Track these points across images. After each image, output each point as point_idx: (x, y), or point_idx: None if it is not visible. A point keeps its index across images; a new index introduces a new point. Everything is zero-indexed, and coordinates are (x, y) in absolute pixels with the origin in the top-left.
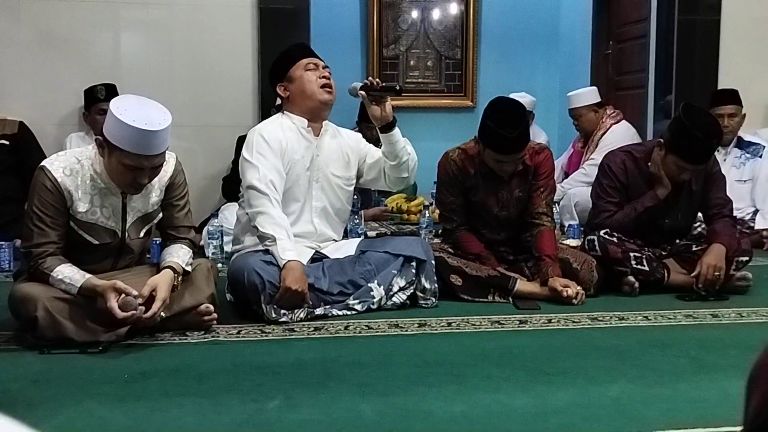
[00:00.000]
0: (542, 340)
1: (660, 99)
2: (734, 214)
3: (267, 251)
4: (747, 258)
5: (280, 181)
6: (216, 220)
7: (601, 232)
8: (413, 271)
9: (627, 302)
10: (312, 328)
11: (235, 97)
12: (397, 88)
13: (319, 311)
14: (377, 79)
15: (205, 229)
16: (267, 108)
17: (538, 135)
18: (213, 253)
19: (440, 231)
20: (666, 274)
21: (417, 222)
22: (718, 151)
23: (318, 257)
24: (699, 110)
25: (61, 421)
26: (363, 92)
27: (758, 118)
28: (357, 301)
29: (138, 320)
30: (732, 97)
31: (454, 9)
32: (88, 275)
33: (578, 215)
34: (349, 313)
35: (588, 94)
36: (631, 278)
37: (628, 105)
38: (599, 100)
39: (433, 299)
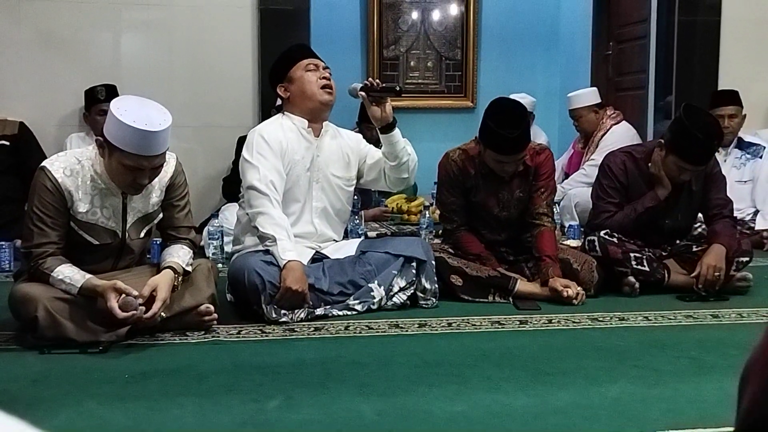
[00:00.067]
0: (542, 340)
1: (660, 100)
2: (734, 215)
3: (267, 251)
4: (747, 258)
5: (281, 181)
6: (216, 221)
7: (602, 233)
8: (413, 271)
9: (627, 303)
10: (312, 329)
11: (236, 98)
12: (397, 88)
13: (319, 311)
14: (377, 80)
15: (206, 229)
16: (267, 108)
17: (538, 136)
18: (213, 254)
19: (440, 231)
20: (666, 275)
21: (417, 222)
22: (718, 151)
23: (318, 257)
24: (699, 111)
25: (62, 421)
26: (363, 93)
27: (758, 118)
28: (357, 301)
29: (138, 320)
30: (732, 97)
31: (454, 10)
32: (88, 275)
33: (578, 216)
34: (349, 313)
35: (588, 95)
36: (632, 279)
37: (628, 106)
38: (599, 100)
39: (434, 299)
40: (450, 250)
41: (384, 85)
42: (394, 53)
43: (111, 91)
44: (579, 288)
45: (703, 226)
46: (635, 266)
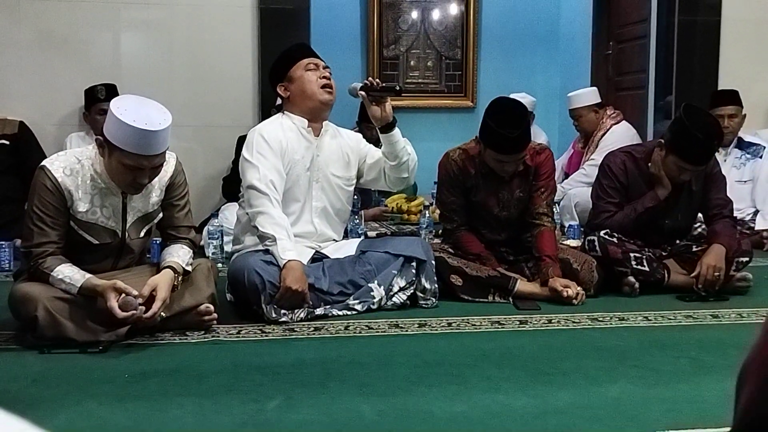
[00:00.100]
0: (542, 340)
1: (660, 99)
2: (734, 215)
3: (267, 251)
4: (747, 258)
5: (280, 181)
6: (216, 220)
7: (602, 233)
8: (413, 271)
9: (627, 303)
10: (312, 328)
11: (235, 97)
12: (397, 88)
13: (319, 311)
14: (377, 80)
15: (206, 229)
16: (267, 108)
17: (538, 135)
18: (213, 253)
19: (440, 231)
20: (666, 275)
21: (417, 222)
22: (718, 151)
23: (318, 257)
24: (700, 111)
25: (61, 420)
26: (363, 92)
27: (758, 118)
28: (357, 301)
29: (138, 320)
30: (732, 97)
31: (454, 9)
32: (88, 275)
33: (578, 216)
34: (349, 313)
35: (588, 95)
36: (632, 279)
37: (628, 105)
38: (599, 100)
39: (434, 299)
40: (450, 250)
41: (384, 84)
42: (394, 53)
43: (111, 91)
44: (579, 288)
45: (703, 226)
46: (635, 266)
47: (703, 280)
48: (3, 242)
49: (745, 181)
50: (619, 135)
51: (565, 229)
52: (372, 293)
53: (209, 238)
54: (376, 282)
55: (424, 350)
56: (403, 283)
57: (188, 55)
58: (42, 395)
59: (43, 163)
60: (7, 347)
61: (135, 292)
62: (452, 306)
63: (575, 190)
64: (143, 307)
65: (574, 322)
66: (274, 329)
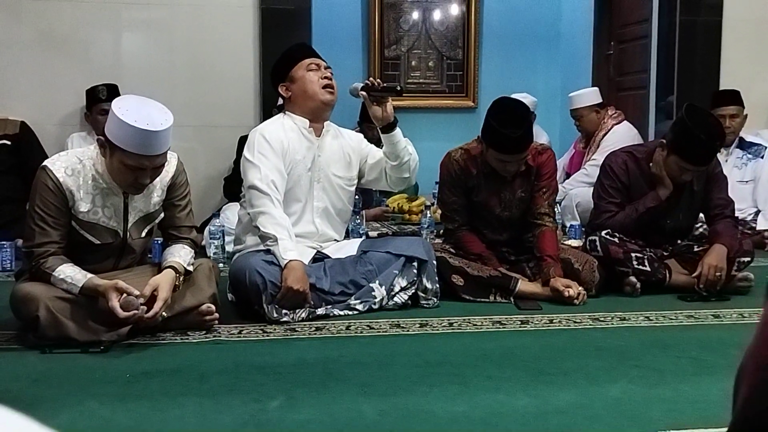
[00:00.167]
0: (544, 340)
1: (661, 100)
2: (736, 215)
3: (268, 251)
4: (748, 258)
5: (282, 181)
6: (217, 220)
7: (603, 233)
8: (415, 271)
9: (628, 303)
10: (313, 328)
11: (237, 98)
12: (398, 88)
13: (320, 311)
14: (378, 80)
15: (207, 229)
16: (268, 108)
17: (539, 135)
18: (214, 253)
19: (441, 231)
20: (667, 275)
21: (418, 222)
22: (719, 151)
23: (319, 257)
24: (701, 111)
25: (63, 420)
26: (364, 93)
27: (760, 118)
28: (358, 301)
29: (139, 320)
30: (733, 97)
31: (455, 9)
32: (89, 275)
33: (580, 216)
34: (350, 313)
35: (589, 95)
36: (633, 279)
37: (629, 105)
38: (601, 100)
39: (435, 299)
40: (451, 250)
41: (385, 84)
42: (396, 53)
43: (112, 91)
44: (580, 288)
45: (705, 226)
46: (636, 266)
47: (704, 280)
48: (4, 242)
49: (747, 181)
50: (621, 135)
51: (567, 229)
52: (373, 293)
53: (211, 238)
54: (377, 282)
55: (426, 350)
56: (404, 283)
57: (189, 55)
58: (43, 395)
59: (45, 163)
60: (9, 347)
61: (136, 292)
62: (453, 306)
63: (576, 190)
64: (144, 307)
65: (575, 322)
66: (275, 329)
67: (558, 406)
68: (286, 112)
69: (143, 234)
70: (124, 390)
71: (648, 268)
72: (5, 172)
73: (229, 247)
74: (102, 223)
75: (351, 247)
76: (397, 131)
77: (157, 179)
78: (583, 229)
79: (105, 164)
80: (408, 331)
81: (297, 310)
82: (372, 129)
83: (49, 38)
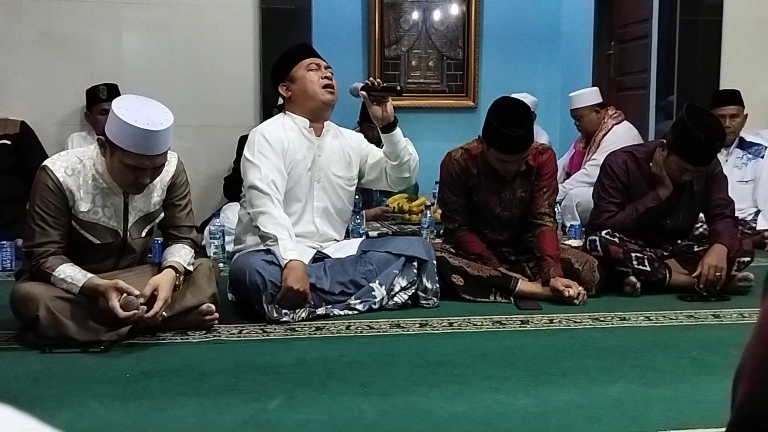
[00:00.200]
0: (544, 340)
1: (661, 99)
2: (736, 215)
3: (268, 251)
4: (748, 258)
5: (282, 181)
6: (217, 220)
7: (603, 233)
8: (415, 271)
9: (628, 302)
10: (313, 328)
11: (237, 97)
12: (398, 88)
13: (320, 311)
14: (378, 80)
15: (207, 228)
16: (268, 108)
17: (539, 135)
18: (215, 253)
19: (442, 231)
20: (667, 275)
21: (418, 222)
22: (719, 151)
23: (319, 257)
24: (702, 111)
25: (63, 420)
26: (364, 92)
27: (760, 118)
28: (358, 300)
29: (140, 320)
30: (734, 97)
31: (455, 9)
32: (89, 275)
33: (580, 215)
34: (350, 312)
35: (589, 95)
36: (633, 278)
37: (629, 105)
38: (601, 100)
39: (435, 299)
40: (451, 250)
41: (385, 84)
42: (396, 53)
43: (112, 91)
44: (580, 288)
45: (705, 226)
46: (636, 266)
47: (704, 280)
48: (5, 242)
49: (747, 181)
50: (621, 135)
51: (567, 229)
52: (373, 293)
53: (211, 238)
54: (377, 282)
55: (426, 350)
56: (404, 283)
57: (189, 55)
58: (43, 395)
59: (45, 163)
60: (9, 347)
61: (136, 292)
62: (453, 306)
63: (576, 190)
64: (145, 307)
65: (575, 322)
66: (275, 329)
67: (558, 406)
68: (287, 112)
69: (143, 234)
70: (124, 390)
71: (648, 268)
72: (5, 171)
73: (229, 247)
74: (102, 223)
75: (351, 247)
76: (397, 131)
77: (157, 179)
78: (583, 229)
79: (105, 164)
80: (408, 331)
81: (297, 310)
82: (372, 129)
83: (49, 38)
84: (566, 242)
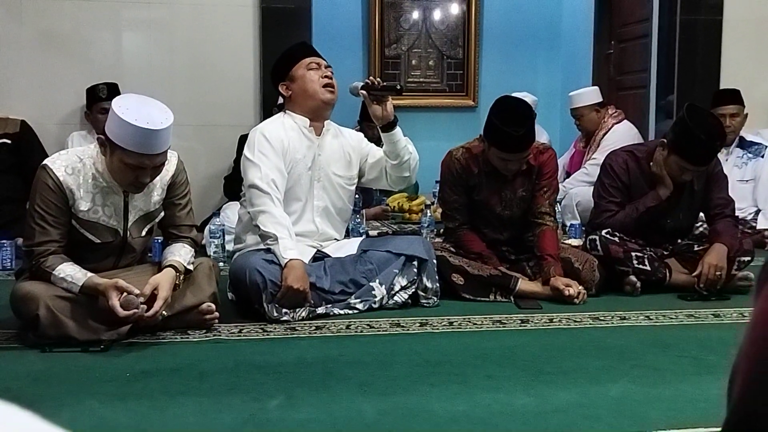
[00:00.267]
0: (544, 339)
1: (662, 99)
2: (736, 214)
3: (269, 250)
4: (749, 258)
5: (282, 180)
6: (218, 219)
7: (603, 232)
8: (415, 270)
9: (628, 302)
10: (313, 327)
11: (237, 97)
12: (398, 87)
13: (320, 310)
14: (378, 79)
15: (207, 228)
16: (268, 107)
17: (540, 135)
18: (215, 252)
19: (442, 230)
20: (667, 274)
21: (418, 221)
22: (720, 151)
23: (319, 256)
24: (702, 111)
25: (63, 419)
26: (364, 92)
27: (760, 118)
28: (358, 300)
29: (140, 319)
30: (734, 97)
31: (455, 9)
32: (89, 274)
33: (580, 215)
34: (350, 312)
35: (590, 94)
36: (633, 278)
37: (629, 105)
38: (601, 99)
39: (435, 298)
40: (451, 249)
41: (385, 83)
42: (396, 52)
43: (112, 90)
44: (580, 287)
45: (705, 226)
46: (636, 265)
47: (704, 280)
48: (5, 241)
49: (747, 181)
50: (621, 134)
51: (567, 228)
52: (373, 292)
53: (211, 237)
54: (377, 281)
55: (426, 349)
56: (404, 282)
57: (190, 55)
58: (43, 394)
59: (45, 162)
60: (9, 346)
61: (136, 291)
62: (454, 305)
63: (577, 190)
64: (145, 306)
65: (575, 322)
66: (275, 328)
67: (558, 406)
68: (287, 111)
69: (143, 233)
70: (124, 389)
71: (648, 268)
72: (5, 171)
73: (230, 246)
74: (102, 222)
75: (351, 246)
76: (397, 130)
77: (158, 178)
78: (583, 228)
79: (105, 163)
80: (408, 330)
81: (297, 309)
82: (372, 128)
83: (50, 38)
84: (566, 241)
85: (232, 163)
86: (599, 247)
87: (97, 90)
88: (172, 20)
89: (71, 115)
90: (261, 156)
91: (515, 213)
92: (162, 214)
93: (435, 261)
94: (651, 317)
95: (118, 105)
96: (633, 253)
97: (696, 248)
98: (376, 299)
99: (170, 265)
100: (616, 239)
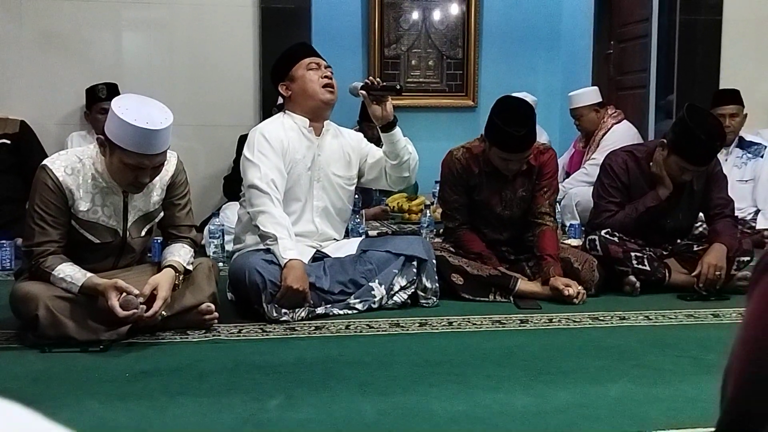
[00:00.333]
0: (543, 339)
1: (661, 99)
2: (735, 214)
3: (268, 250)
4: (748, 258)
5: (282, 180)
6: (217, 219)
7: (603, 232)
8: (414, 270)
9: (628, 302)
10: (313, 327)
11: (237, 97)
12: (398, 87)
13: (320, 310)
14: (378, 79)
15: (207, 228)
16: (268, 107)
17: (539, 135)
18: (214, 252)
19: (441, 230)
20: (667, 274)
21: (418, 221)
22: (720, 151)
23: (319, 256)
24: (702, 111)
25: (62, 419)
26: (363, 92)
27: (760, 118)
28: (358, 300)
29: (139, 319)
30: (733, 97)
31: (455, 9)
32: (89, 274)
33: (579, 215)
34: (350, 312)
35: (589, 94)
36: (632, 278)
37: (629, 105)
38: (600, 99)
39: (434, 298)
40: (451, 249)
41: (384, 83)
42: (395, 52)
43: (112, 90)
44: (580, 287)
45: (704, 226)
46: (636, 265)
47: (704, 280)
48: (4, 241)
49: (747, 181)
50: (620, 134)
51: (566, 228)
52: (373, 292)
53: (210, 237)
54: (376, 281)
55: (425, 349)
56: (404, 282)
57: (189, 55)
58: (43, 394)
59: (45, 162)
60: (8, 346)
61: (136, 291)
62: (453, 305)
63: (576, 190)
64: (144, 306)
65: (575, 322)
66: (274, 328)
67: (557, 406)
68: (286, 111)
69: (143, 233)
70: (124, 389)
71: (647, 268)
72: (5, 171)
73: (229, 246)
74: (102, 222)
75: (350, 247)
76: (397, 130)
77: (157, 178)
78: (583, 228)
79: (105, 163)
80: (407, 330)
81: (296, 310)
82: (372, 128)
83: (50, 38)
84: (566, 241)
85: (231, 163)
86: (599, 247)
87: (96, 90)
88: (172, 20)
89: (71, 115)
90: (260, 156)
91: (515, 213)
92: (161, 214)
93: (434, 261)
94: (650, 317)
95: (117, 105)
96: (632, 253)
97: (695, 248)
98: (376, 299)
99: (170, 266)
100: (616, 239)
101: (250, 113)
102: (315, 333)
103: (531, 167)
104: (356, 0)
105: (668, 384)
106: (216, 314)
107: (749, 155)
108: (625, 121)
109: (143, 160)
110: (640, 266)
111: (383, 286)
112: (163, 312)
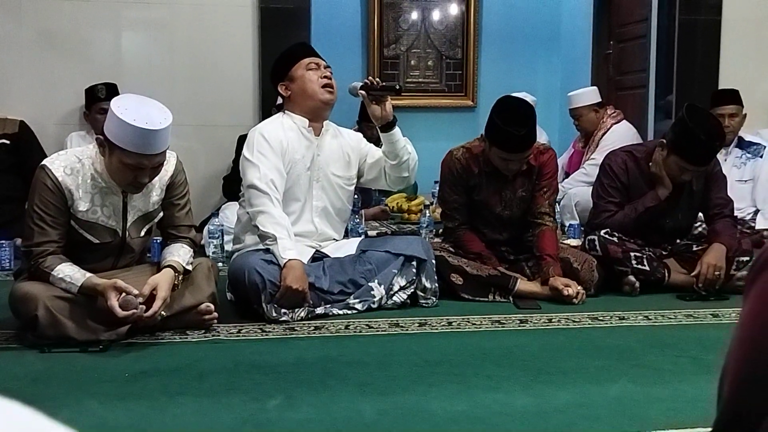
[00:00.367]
0: (543, 339)
1: (660, 99)
2: (735, 214)
3: (267, 250)
4: (747, 258)
5: (281, 180)
6: (216, 219)
7: (602, 232)
8: (414, 270)
9: (627, 302)
10: (312, 328)
11: (236, 97)
12: (397, 87)
13: (319, 310)
14: (377, 79)
15: (206, 228)
16: (268, 107)
17: (539, 135)
18: (213, 252)
19: (441, 230)
20: (666, 274)
21: (417, 221)
22: (719, 151)
23: (318, 256)
24: (702, 111)
25: (62, 420)
26: (363, 92)
27: (759, 118)
28: (357, 300)
29: (138, 319)
30: (733, 97)
31: (454, 9)
32: (88, 274)
33: (579, 215)
34: (349, 312)
35: (588, 94)
36: (632, 278)
37: (628, 105)
38: (600, 100)
39: (434, 298)
40: (450, 249)
41: (384, 83)
42: (395, 52)
43: (111, 90)
44: (579, 287)
45: (704, 226)
46: (635, 265)
47: (703, 279)
48: (3, 241)
49: (746, 181)
50: (620, 134)
51: (566, 228)
52: (372, 292)
53: (210, 238)
54: (376, 281)
55: (425, 349)
56: (403, 282)
57: (189, 55)
58: (42, 394)
59: (44, 162)
60: (8, 346)
61: (135, 291)
62: (453, 305)
63: (576, 190)
64: (143, 306)
65: (574, 322)
66: (274, 328)
67: (557, 406)
68: (286, 112)
69: (142, 233)
70: (123, 389)
71: (647, 268)
72: (4, 171)
73: (228, 247)
74: (101, 223)
75: (350, 247)
76: (396, 130)
77: (156, 178)
78: (582, 228)
79: (104, 163)
80: (407, 330)
81: (296, 310)
82: (371, 128)
83: (49, 38)
84: (565, 242)
85: (231, 163)
86: (598, 247)
87: (95, 90)
88: (172, 20)
89: (70, 115)
90: (260, 156)
91: (515, 213)
92: (161, 214)
93: (434, 261)
94: (650, 317)
95: (116, 105)
96: (632, 253)
97: (695, 248)
98: (375, 299)
99: (169, 266)
100: (615, 239)
101: (250, 113)
102: (314, 333)
103: (531, 167)
104: (355, 0)
105: (667, 384)
106: (215, 314)
107: (748, 155)
108: (624, 121)
109: (142, 160)
110: (639, 266)
111: (383, 286)
112: (162, 312)
